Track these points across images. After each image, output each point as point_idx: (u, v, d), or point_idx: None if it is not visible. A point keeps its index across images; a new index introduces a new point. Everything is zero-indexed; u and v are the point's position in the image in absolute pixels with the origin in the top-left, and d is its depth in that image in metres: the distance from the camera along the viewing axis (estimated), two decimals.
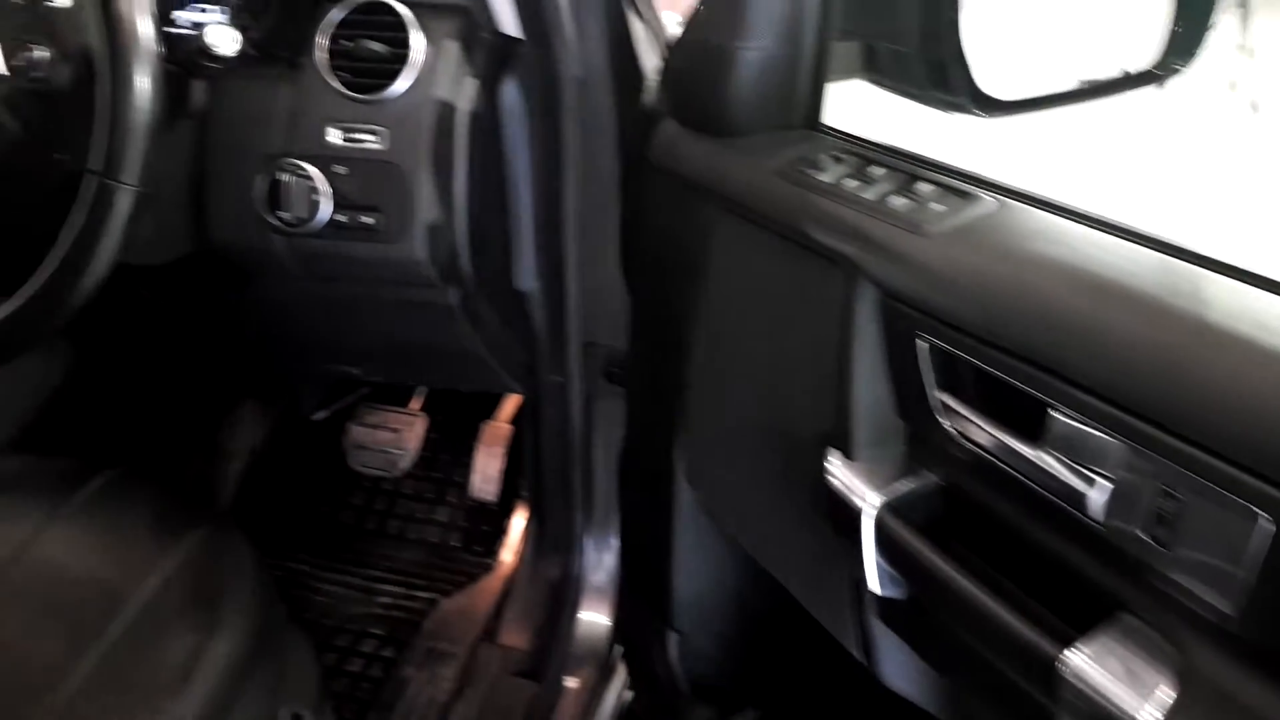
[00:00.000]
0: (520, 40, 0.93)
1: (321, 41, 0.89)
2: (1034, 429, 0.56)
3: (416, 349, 1.11)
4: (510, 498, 1.45)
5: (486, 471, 1.44)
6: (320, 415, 1.64)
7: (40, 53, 0.71)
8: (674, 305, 0.90)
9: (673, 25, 1.01)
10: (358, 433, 1.46)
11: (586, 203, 1.01)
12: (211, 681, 0.77)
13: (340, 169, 0.88)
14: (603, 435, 1.21)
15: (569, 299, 1.07)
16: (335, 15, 0.89)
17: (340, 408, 1.63)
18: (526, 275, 1.08)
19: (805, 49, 0.75)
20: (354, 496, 1.52)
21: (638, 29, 0.97)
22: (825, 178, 0.70)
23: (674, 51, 0.93)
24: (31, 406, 1.28)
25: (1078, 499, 0.54)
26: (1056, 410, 0.54)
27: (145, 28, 0.69)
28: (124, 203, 0.69)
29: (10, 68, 0.72)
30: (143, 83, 0.68)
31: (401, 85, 0.88)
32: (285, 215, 0.88)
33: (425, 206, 0.89)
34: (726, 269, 0.81)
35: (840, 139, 0.76)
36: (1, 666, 0.80)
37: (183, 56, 0.83)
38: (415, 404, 1.51)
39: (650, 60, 0.99)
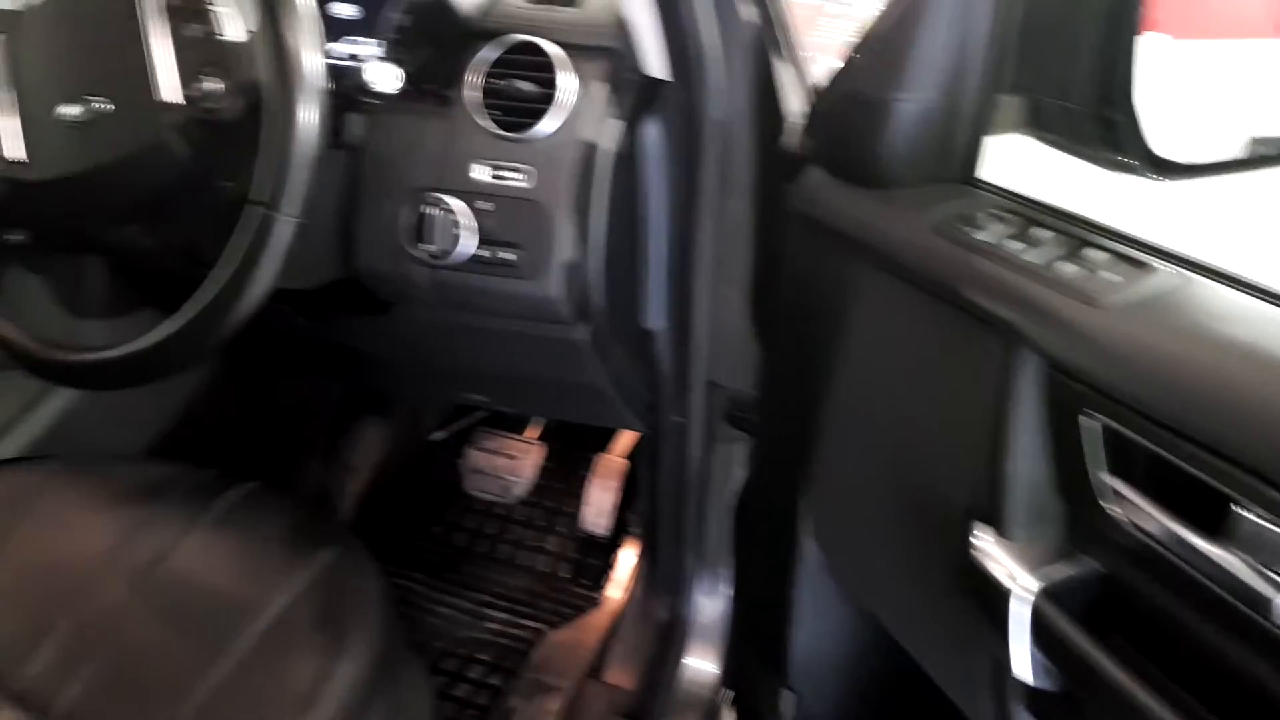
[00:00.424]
0: (665, 81, 0.93)
1: (473, 80, 0.91)
2: (1213, 522, 0.52)
3: (542, 381, 1.12)
4: (620, 532, 1.45)
5: (599, 505, 1.44)
6: (438, 436, 1.67)
7: (213, 84, 0.74)
8: (809, 355, 0.88)
9: (817, 68, 1.00)
10: (475, 457, 1.48)
11: (718, 244, 1.00)
12: (334, 707, 0.78)
13: (484, 205, 0.89)
14: (720, 478, 1.19)
15: (695, 340, 1.06)
16: (488, 54, 0.91)
17: (458, 429, 1.66)
18: (654, 314, 1.07)
19: (967, 102, 0.73)
20: (467, 519, 1.54)
21: (782, 72, 0.96)
22: (985, 237, 0.67)
23: (822, 98, 0.91)
24: (170, 415, 1.34)
25: (1262, 604, 0.49)
26: (1242, 505, 0.50)
27: (313, 64, 0.71)
28: (284, 232, 0.72)
29: (186, 97, 0.75)
30: (308, 118, 0.71)
31: (549, 125, 0.88)
32: (429, 248, 0.90)
33: (564, 245, 0.90)
34: (870, 324, 0.78)
35: (1000, 196, 0.73)
36: (136, 668, 0.83)
37: (343, 91, 0.85)
38: (532, 432, 1.52)
39: (793, 103, 0.98)
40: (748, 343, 1.05)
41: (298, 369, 1.40)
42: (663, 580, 1.29)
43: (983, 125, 0.74)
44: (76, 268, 1.15)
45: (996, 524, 0.64)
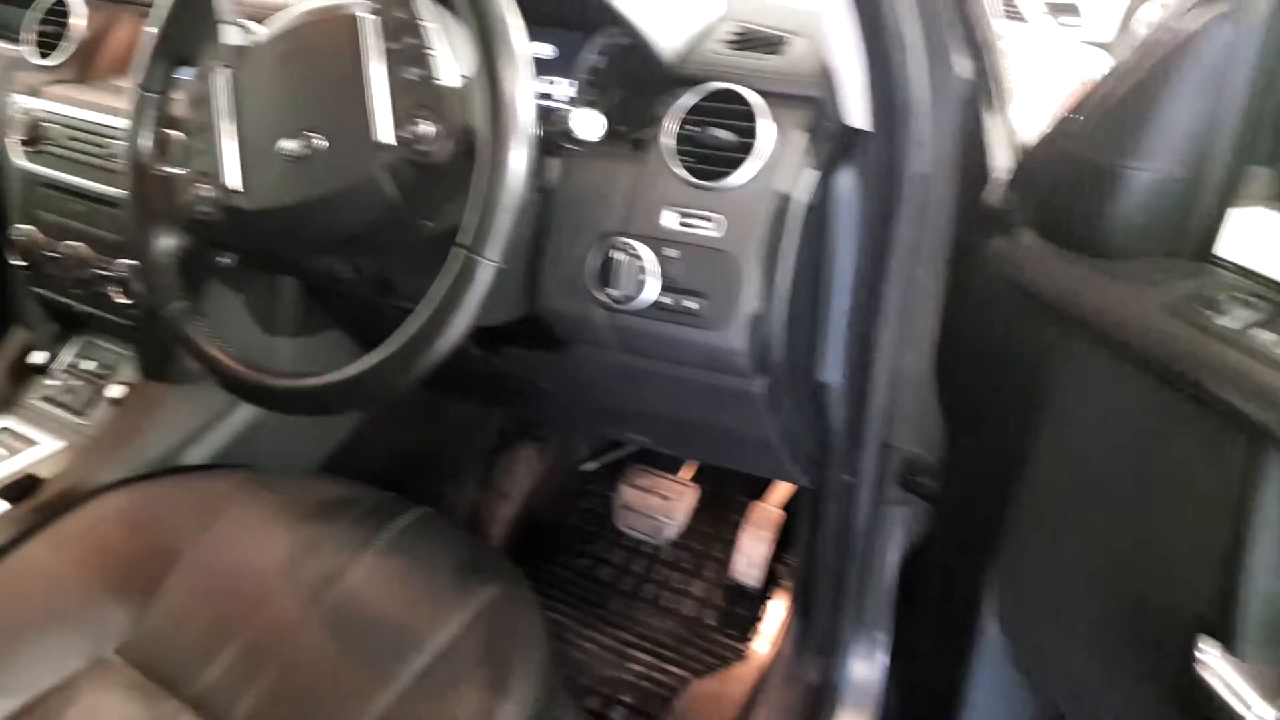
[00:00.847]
0: (864, 131, 0.90)
1: (670, 126, 0.90)
2: None
3: (709, 428, 1.10)
4: (771, 584, 1.41)
5: (751, 555, 1.41)
6: (589, 466, 1.68)
7: (426, 127, 0.76)
8: (1004, 427, 0.83)
9: (1025, 123, 0.95)
10: (628, 494, 1.47)
11: (906, 299, 0.96)
12: None
13: (672, 252, 0.88)
14: (887, 541, 1.14)
15: (873, 397, 1.02)
16: (687, 101, 0.90)
17: (609, 461, 1.66)
18: (831, 368, 1.04)
19: (1211, 173, 0.67)
20: (614, 554, 1.54)
21: (990, 125, 0.92)
22: (1228, 322, 0.61)
23: (1035, 157, 0.86)
24: (344, 431, 1.39)
25: None
26: None
27: (527, 112, 0.72)
28: (485, 277, 0.72)
29: (398, 138, 0.77)
30: (518, 165, 0.71)
31: (744, 175, 0.87)
32: (613, 292, 0.89)
33: (750, 297, 0.88)
34: (1081, 402, 0.73)
35: (1245, 277, 0.67)
36: (306, 686, 0.85)
37: (547, 136, 0.86)
38: (686, 473, 1.51)
39: (1000, 159, 0.93)
40: (928, 404, 1.00)
41: (465, 395, 1.43)
42: (815, 640, 1.24)
43: (1227, 198, 0.68)
44: (271, 288, 1.21)
45: (1227, 639, 0.58)
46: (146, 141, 0.90)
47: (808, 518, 1.21)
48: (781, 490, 1.46)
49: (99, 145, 1.17)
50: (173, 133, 0.91)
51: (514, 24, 0.72)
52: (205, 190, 0.86)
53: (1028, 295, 0.78)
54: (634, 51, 0.96)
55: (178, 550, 0.97)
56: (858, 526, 1.14)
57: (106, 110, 1.18)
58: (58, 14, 1.31)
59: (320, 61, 0.81)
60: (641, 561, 1.52)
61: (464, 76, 0.77)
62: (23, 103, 1.25)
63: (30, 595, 0.94)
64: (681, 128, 0.90)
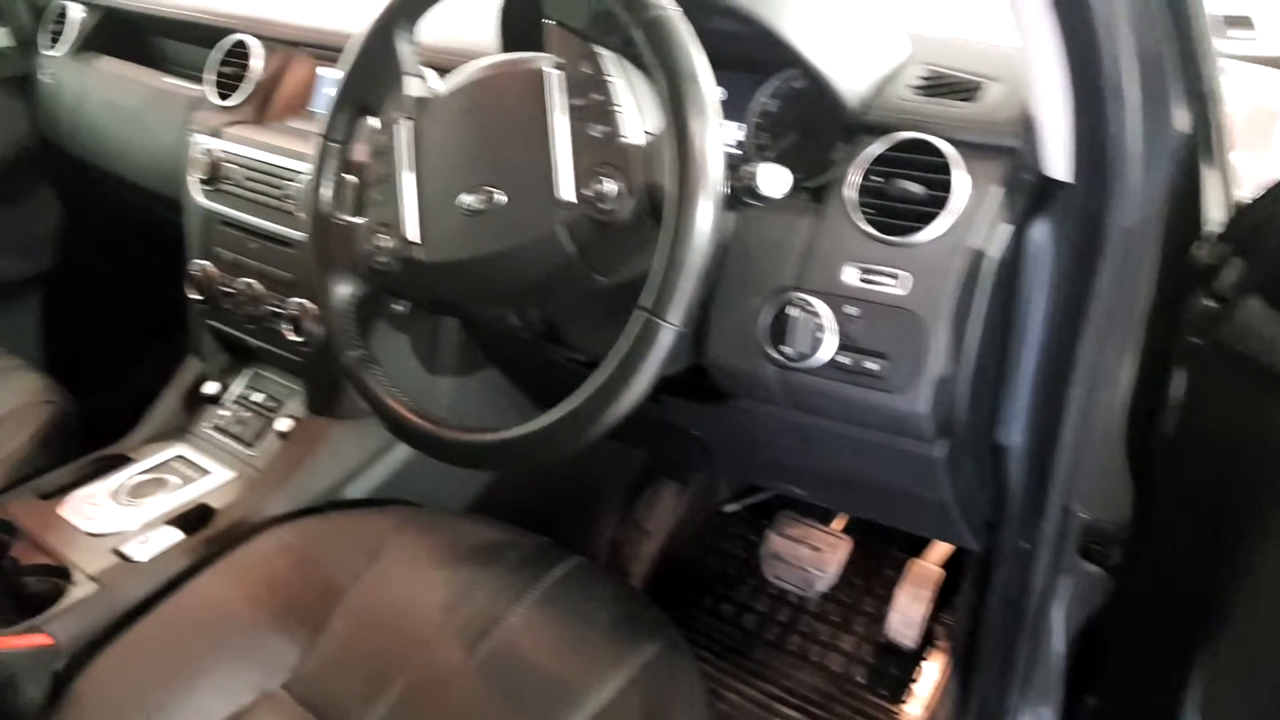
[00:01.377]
0: (1063, 183, 0.84)
1: (854, 178, 0.86)
2: None
3: (876, 487, 1.05)
4: (927, 644, 1.34)
5: (907, 614, 1.34)
6: (732, 507, 1.64)
7: (609, 185, 0.74)
8: (1218, 509, 0.76)
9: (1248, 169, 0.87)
10: (776, 543, 1.42)
11: (1100, 358, 0.89)
12: None
13: (851, 310, 0.84)
14: (1062, 614, 1.07)
15: (1058, 461, 0.95)
16: (873, 150, 0.86)
17: (751, 504, 1.62)
18: (1012, 429, 0.97)
19: None
20: (758, 601, 1.49)
21: (1205, 177, 0.84)
22: None
23: (1260, 211, 0.79)
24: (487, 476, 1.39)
25: None
26: None
27: (716, 173, 0.69)
28: (666, 341, 0.70)
29: (579, 195, 0.76)
30: (705, 227, 0.69)
31: (935, 231, 0.82)
32: (787, 350, 0.86)
33: (937, 359, 0.83)
34: None
35: None
36: None
37: (730, 192, 0.83)
38: (838, 523, 1.45)
39: (1213, 212, 0.86)
40: (1117, 471, 0.93)
41: (616, 436, 1.42)
42: (975, 709, 1.17)
43: None
44: (434, 328, 1.22)
45: None
46: (328, 190, 0.92)
47: (974, 581, 1.14)
48: (941, 547, 1.39)
49: (275, 186, 1.21)
50: (351, 178, 0.93)
51: (705, 81, 0.70)
52: (384, 240, 0.87)
53: (1253, 367, 0.71)
54: (810, 95, 0.92)
55: (342, 587, 0.98)
56: (1031, 595, 1.07)
57: (283, 152, 1.22)
58: (237, 56, 1.37)
59: (502, 116, 0.81)
60: (787, 611, 1.47)
61: (647, 133, 0.75)
62: (204, 143, 1.30)
63: (204, 627, 0.97)
64: (865, 178, 0.86)
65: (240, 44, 1.37)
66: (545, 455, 0.78)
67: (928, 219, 0.83)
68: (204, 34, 1.48)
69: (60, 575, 1.03)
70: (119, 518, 1.13)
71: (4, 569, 1.04)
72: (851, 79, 0.89)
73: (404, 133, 0.86)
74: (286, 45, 1.34)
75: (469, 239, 0.82)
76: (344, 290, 0.92)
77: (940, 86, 0.90)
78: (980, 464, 0.99)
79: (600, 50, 0.75)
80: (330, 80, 1.31)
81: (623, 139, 0.74)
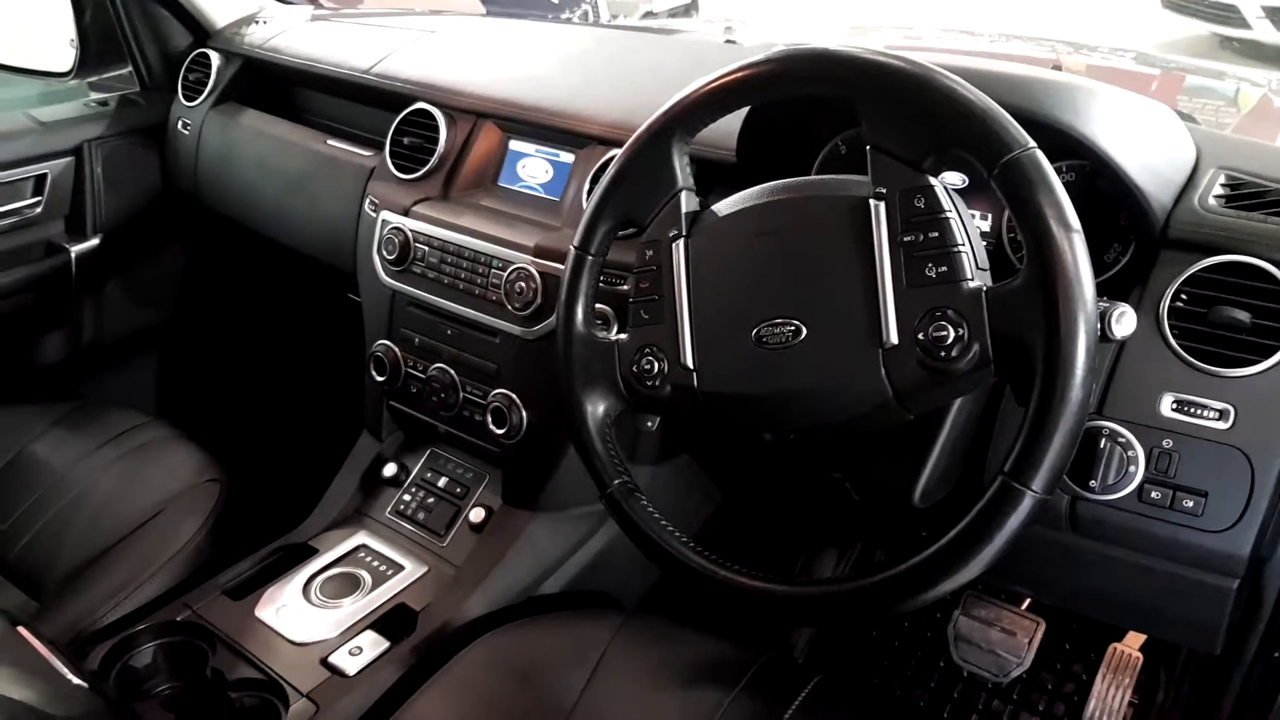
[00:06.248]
0: None
1: (1166, 302, 0.80)
2: None
3: (1142, 605, 0.98)
4: None
5: (1108, 702, 1.28)
6: None
7: (945, 331, 0.67)
8: None
9: None
10: (965, 625, 1.36)
11: None
12: None
13: (1165, 442, 0.79)
14: None
15: None
16: (1189, 270, 0.80)
17: None
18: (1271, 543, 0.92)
19: None
20: (953, 688, 1.43)
21: None
22: None
23: None
24: None
25: None
26: None
27: (1093, 334, 0.63)
28: (1025, 509, 0.64)
29: (913, 340, 0.68)
30: (1081, 395, 0.62)
31: (1266, 363, 0.76)
32: (1092, 483, 0.80)
33: (1262, 498, 0.77)
34: None
35: None
36: None
37: None
38: (1026, 601, 1.39)
39: None
40: None
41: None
42: None
43: None
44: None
45: None
46: (584, 306, 0.87)
47: (1213, 687, 1.09)
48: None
49: (474, 271, 1.15)
50: (606, 288, 0.87)
51: (1078, 232, 0.64)
52: (653, 364, 0.82)
53: None
54: (1098, 197, 0.86)
55: (564, 707, 0.94)
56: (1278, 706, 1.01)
57: (483, 237, 1.15)
58: (416, 125, 1.29)
59: (809, 245, 0.75)
60: (979, 694, 1.41)
61: (980, 269, 0.70)
62: (394, 221, 1.23)
63: None
64: (1173, 300, 0.80)
65: (421, 111, 1.30)
66: (865, 616, 0.73)
67: (1253, 348, 0.77)
68: (365, 93, 1.43)
69: (275, 693, 0.98)
70: (319, 623, 1.09)
71: (210, 682, 1.00)
72: (1159, 188, 0.83)
73: (680, 252, 0.81)
74: (470, 114, 1.27)
75: (760, 373, 0.76)
76: (602, 408, 0.87)
77: (1249, 198, 0.83)
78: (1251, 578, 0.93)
79: (933, 182, 0.70)
80: (526, 155, 1.25)
81: (967, 283, 0.68)
